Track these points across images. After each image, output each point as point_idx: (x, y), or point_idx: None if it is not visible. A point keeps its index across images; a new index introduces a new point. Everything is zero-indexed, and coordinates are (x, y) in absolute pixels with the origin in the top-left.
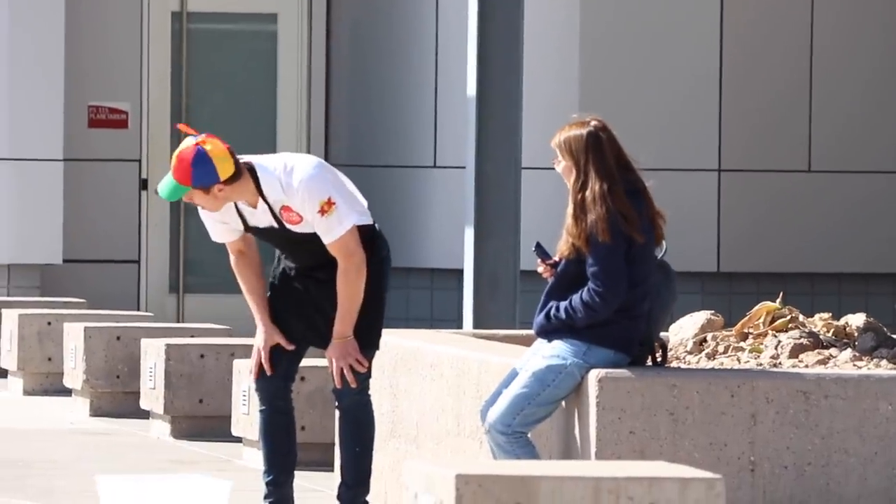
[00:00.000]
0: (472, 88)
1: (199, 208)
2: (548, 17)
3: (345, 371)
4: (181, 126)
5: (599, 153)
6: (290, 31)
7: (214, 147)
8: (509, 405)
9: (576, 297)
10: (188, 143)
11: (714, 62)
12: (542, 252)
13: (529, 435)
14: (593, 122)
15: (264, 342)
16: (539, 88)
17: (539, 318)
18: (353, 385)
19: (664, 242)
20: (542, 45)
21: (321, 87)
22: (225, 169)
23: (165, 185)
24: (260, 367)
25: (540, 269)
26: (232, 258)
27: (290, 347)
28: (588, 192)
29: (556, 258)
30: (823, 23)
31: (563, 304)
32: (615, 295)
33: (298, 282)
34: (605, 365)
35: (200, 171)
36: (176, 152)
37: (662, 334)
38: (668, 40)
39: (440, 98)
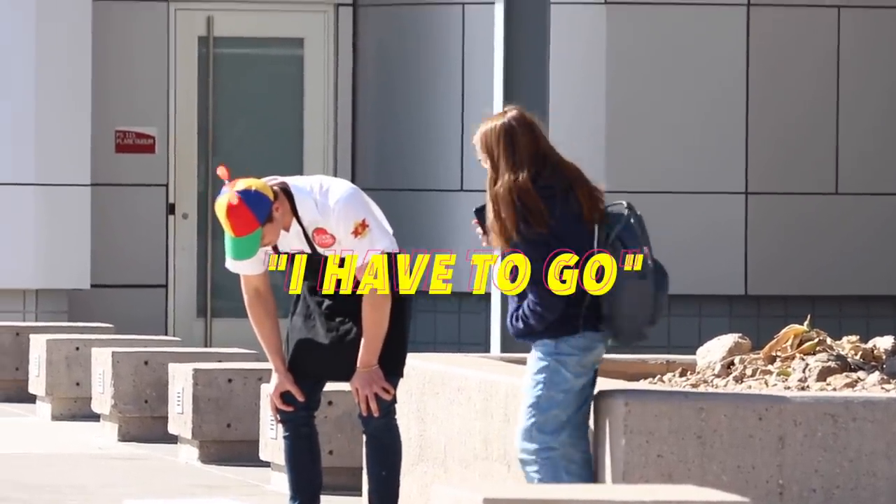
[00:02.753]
0: (498, 111)
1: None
2: (574, 39)
3: (369, 400)
4: (221, 171)
5: (511, 145)
6: (317, 56)
7: (245, 181)
8: (523, 433)
9: (524, 307)
10: (224, 196)
11: (740, 84)
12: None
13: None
14: (510, 114)
15: (275, 389)
16: (564, 111)
17: (508, 323)
18: (376, 414)
19: (632, 216)
20: (567, 68)
21: (347, 112)
22: (265, 190)
23: (236, 246)
24: (282, 401)
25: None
26: (246, 298)
27: (301, 399)
28: (499, 187)
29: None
30: (850, 45)
31: (519, 313)
32: (550, 303)
33: (319, 317)
34: (580, 350)
35: (257, 205)
36: (222, 212)
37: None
38: (695, 66)
39: (467, 121)
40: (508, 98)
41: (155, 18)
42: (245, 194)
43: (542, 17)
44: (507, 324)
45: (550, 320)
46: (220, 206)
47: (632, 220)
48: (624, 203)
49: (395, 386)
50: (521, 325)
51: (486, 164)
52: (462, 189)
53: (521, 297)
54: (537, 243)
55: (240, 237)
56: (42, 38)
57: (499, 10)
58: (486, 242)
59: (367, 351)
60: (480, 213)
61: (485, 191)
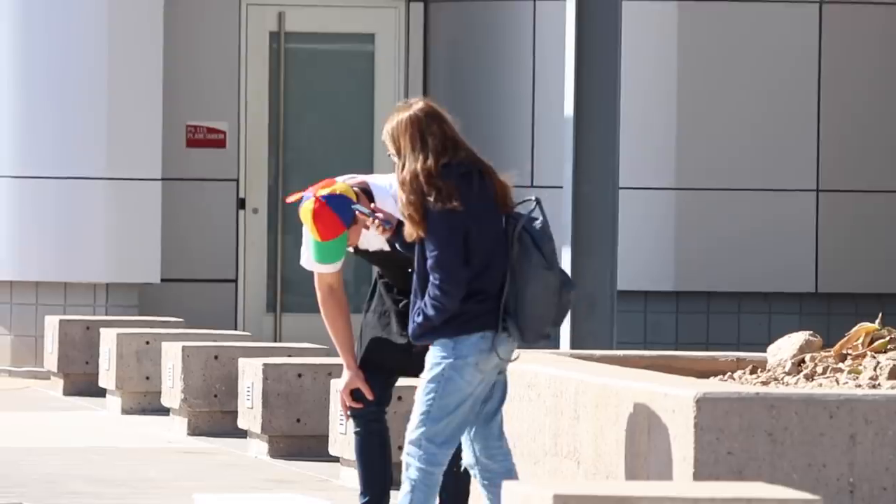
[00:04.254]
0: (569, 108)
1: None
2: (645, 35)
3: None
4: (289, 199)
5: (418, 135)
6: (388, 51)
7: (324, 186)
8: (412, 440)
9: (425, 299)
10: (308, 203)
11: (812, 81)
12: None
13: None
14: (416, 106)
15: (345, 386)
16: (636, 108)
17: (410, 323)
18: None
19: (539, 210)
20: (638, 64)
21: None
22: (348, 192)
23: (323, 250)
24: (351, 398)
25: (375, 228)
26: (320, 295)
27: (371, 397)
28: (405, 174)
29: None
30: None
31: (421, 307)
32: (454, 284)
33: (394, 315)
34: (476, 352)
35: (341, 209)
36: (307, 219)
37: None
38: (766, 62)
39: (537, 117)
40: (580, 97)
41: (226, 14)
42: (329, 199)
43: (614, 14)
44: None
45: (450, 312)
46: (306, 212)
47: (541, 215)
48: (533, 198)
49: None
50: (420, 319)
51: (395, 158)
52: (532, 185)
53: (417, 293)
54: (451, 223)
55: (327, 241)
56: (114, 32)
57: (570, 7)
58: (384, 233)
59: None
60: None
61: (556, 188)
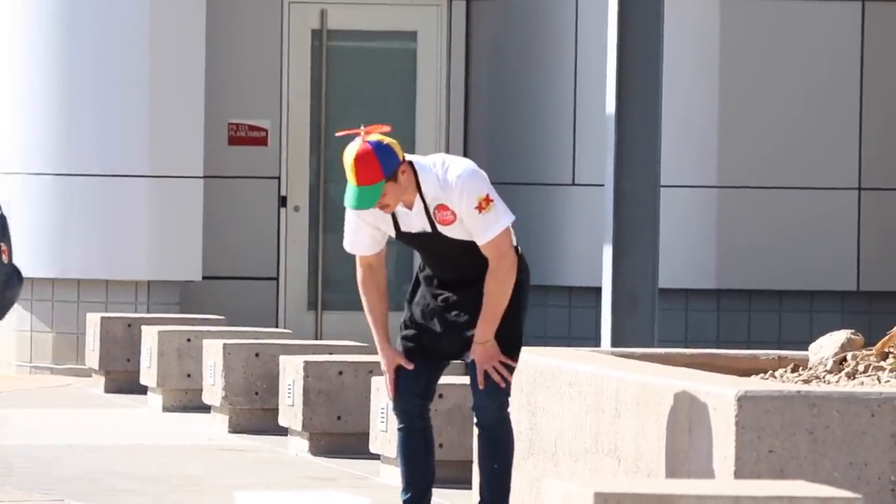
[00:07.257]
0: (611, 106)
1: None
2: (687, 32)
3: (490, 372)
4: (339, 133)
5: None
6: (430, 49)
7: (378, 134)
8: None
9: None
10: (354, 144)
11: (854, 79)
12: None
13: None
14: None
15: (387, 364)
16: (677, 104)
17: None
18: (502, 385)
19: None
20: (680, 62)
21: (460, 105)
22: (397, 148)
23: (355, 195)
24: (396, 384)
25: None
26: (359, 273)
27: (410, 366)
28: None
29: None
30: None
31: None
32: None
33: (436, 310)
34: None
35: (385, 158)
36: (349, 159)
37: None
38: (809, 59)
39: (579, 115)
40: (622, 95)
41: (269, 11)
42: (376, 145)
43: (656, 10)
44: None
45: None
46: (349, 152)
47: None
48: None
49: (513, 360)
50: None
51: None
52: (574, 183)
53: None
54: None
55: (362, 186)
56: (156, 30)
57: (612, 3)
58: None
59: (485, 324)
60: None
61: (598, 185)
